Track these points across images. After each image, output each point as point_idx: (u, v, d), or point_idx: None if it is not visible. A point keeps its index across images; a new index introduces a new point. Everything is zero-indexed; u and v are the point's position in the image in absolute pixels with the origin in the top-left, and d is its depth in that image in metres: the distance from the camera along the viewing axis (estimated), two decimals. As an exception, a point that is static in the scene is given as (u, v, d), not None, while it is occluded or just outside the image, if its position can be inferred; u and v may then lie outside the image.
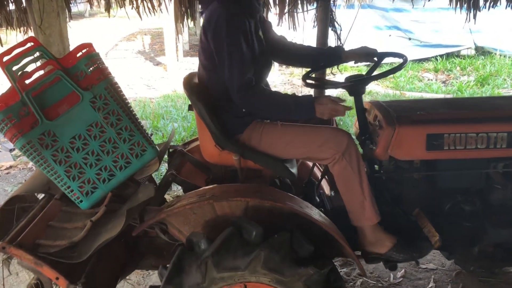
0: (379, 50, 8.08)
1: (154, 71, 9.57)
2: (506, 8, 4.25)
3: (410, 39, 8.95)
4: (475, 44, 9.11)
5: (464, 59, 8.72)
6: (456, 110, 2.25)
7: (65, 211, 2.10)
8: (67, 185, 2.01)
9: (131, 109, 2.17)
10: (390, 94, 6.80)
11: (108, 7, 4.53)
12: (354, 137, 2.16)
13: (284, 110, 2.05)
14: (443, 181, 2.21)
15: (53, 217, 2.04)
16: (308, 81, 2.36)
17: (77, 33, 14.31)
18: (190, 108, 2.19)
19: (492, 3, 4.18)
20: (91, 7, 4.84)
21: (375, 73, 2.31)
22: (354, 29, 8.42)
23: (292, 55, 2.43)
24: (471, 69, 8.16)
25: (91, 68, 2.03)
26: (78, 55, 2.06)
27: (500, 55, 8.77)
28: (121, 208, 2.09)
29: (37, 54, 2.08)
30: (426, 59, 8.82)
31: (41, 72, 2.00)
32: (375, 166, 2.30)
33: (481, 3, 4.24)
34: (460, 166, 2.17)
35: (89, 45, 2.13)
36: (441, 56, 8.81)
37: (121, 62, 10.62)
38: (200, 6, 2.21)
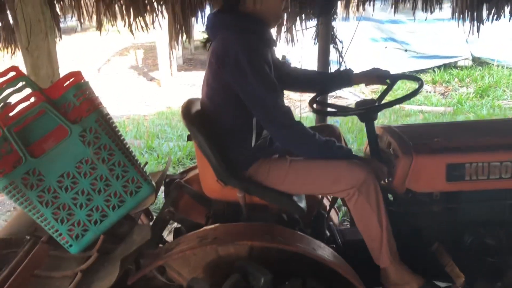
0: (376, 63, 7.94)
1: (148, 87, 9.41)
2: (510, 20, 4.12)
3: (406, 50, 8.86)
4: (472, 54, 9.03)
5: (461, 70, 8.63)
6: (476, 136, 2.09)
7: (53, 256, 1.91)
8: (55, 229, 1.82)
9: (125, 141, 1.99)
10: (389, 108, 6.65)
11: (99, 25, 4.37)
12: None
13: (321, 155, 1.93)
14: (465, 214, 2.04)
15: (40, 264, 1.85)
16: (316, 105, 2.20)
17: (68, 49, 14.19)
18: (189, 138, 2.01)
19: (495, 16, 4.06)
20: (81, 25, 4.68)
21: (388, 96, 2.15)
22: (348, 42, 8.41)
23: (299, 80, 2.28)
24: (470, 80, 8.07)
25: (80, 99, 1.85)
26: (65, 84, 1.87)
27: (498, 66, 8.69)
28: (114, 251, 1.91)
29: (21, 84, 1.89)
30: (423, 71, 8.72)
31: (26, 103, 1.83)
32: (390, 196, 2.14)
33: (484, 15, 4.11)
34: (482, 198, 2.01)
35: (77, 74, 1.95)
36: (438, 67, 8.72)
37: (114, 78, 10.46)
38: (206, 32, 2.03)
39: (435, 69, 8.61)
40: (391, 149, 2.04)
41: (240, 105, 1.91)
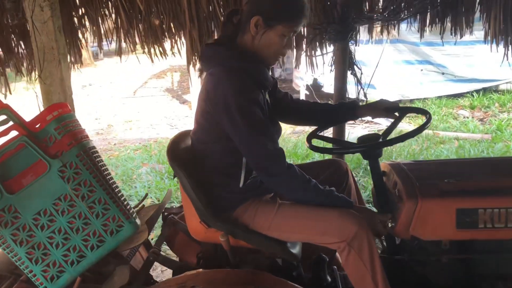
0: (411, 86, 7.66)
1: (179, 110, 9.46)
2: (548, 44, 3.83)
3: (443, 73, 8.50)
4: (514, 78, 8.57)
5: (503, 94, 8.18)
6: (494, 176, 1.86)
7: (30, 297, 1.82)
8: (29, 269, 1.74)
9: (109, 176, 1.90)
10: (421, 134, 6.35)
11: (120, 52, 4.40)
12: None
13: (317, 203, 1.77)
14: (479, 266, 1.82)
15: (15, 305, 1.77)
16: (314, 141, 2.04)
17: (106, 72, 14.59)
18: (175, 175, 1.89)
19: (532, 40, 3.78)
20: (101, 51, 4.75)
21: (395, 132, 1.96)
22: (383, 65, 8.17)
23: (300, 114, 2.14)
24: (512, 106, 7.63)
25: (61, 132, 1.78)
26: (48, 117, 1.81)
27: (543, 90, 8.21)
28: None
29: (3, 117, 1.83)
30: (461, 95, 8.33)
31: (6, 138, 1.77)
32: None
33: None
34: (499, 248, 1.78)
35: (62, 106, 1.89)
36: (477, 91, 8.31)
37: (148, 101, 10.60)
38: (200, 63, 1.92)
39: (474, 93, 8.22)
40: (396, 190, 1.85)
41: (228, 145, 1.79)
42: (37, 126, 1.79)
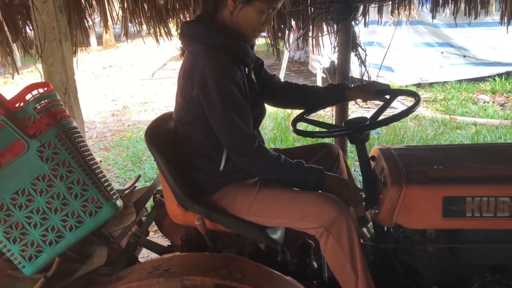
0: (430, 69, 7.42)
1: (195, 92, 9.44)
2: None
3: (464, 56, 8.22)
4: (540, 61, 8.23)
5: (527, 79, 7.89)
6: (485, 163, 1.77)
7: (9, 276, 1.83)
8: (7, 248, 1.75)
9: (90, 157, 1.88)
10: (438, 118, 6.18)
11: (126, 33, 4.38)
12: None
13: (290, 179, 1.73)
14: (467, 256, 1.73)
15: (-6, 282, 1.79)
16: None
17: (127, 54, 14.63)
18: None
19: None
20: (106, 32, 4.71)
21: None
22: (402, 47, 7.95)
23: (287, 97, 2.07)
24: (535, 90, 7.35)
25: (40, 112, 1.76)
26: (27, 97, 1.79)
27: None
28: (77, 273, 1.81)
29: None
30: (483, 79, 8.05)
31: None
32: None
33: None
34: (488, 238, 1.70)
35: (43, 85, 1.87)
36: (499, 75, 8.01)
37: (165, 82, 10.62)
38: (181, 43, 1.88)
39: (496, 78, 7.93)
40: (382, 176, 1.77)
41: (208, 125, 1.75)
42: (16, 105, 1.78)
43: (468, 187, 1.64)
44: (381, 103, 1.97)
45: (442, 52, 8.26)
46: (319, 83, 8.44)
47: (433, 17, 3.81)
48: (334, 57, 7.94)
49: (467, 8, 3.78)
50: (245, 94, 1.73)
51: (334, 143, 2.92)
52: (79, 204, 1.77)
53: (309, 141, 5.37)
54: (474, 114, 6.41)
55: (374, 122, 1.76)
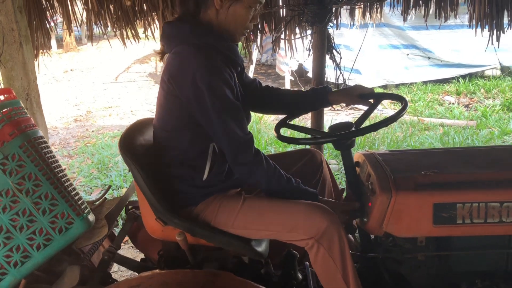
0: (396, 71, 7.47)
1: (161, 95, 9.23)
2: (535, 29, 3.70)
3: (429, 58, 8.38)
4: (500, 63, 8.47)
5: (488, 80, 8.09)
6: (473, 168, 1.73)
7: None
8: (-32, 271, 1.59)
9: (59, 169, 1.74)
10: (406, 120, 6.25)
11: (91, 36, 4.19)
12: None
13: (285, 194, 1.67)
14: (457, 263, 1.70)
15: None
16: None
17: (89, 58, 14.25)
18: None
19: (518, 23, 3.65)
20: (70, 34, 4.49)
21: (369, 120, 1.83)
22: (369, 49, 8.02)
23: (269, 102, 2.00)
24: (497, 92, 7.53)
25: (2, 121, 1.62)
26: (-12, 105, 1.65)
27: (529, 76, 8.13)
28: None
29: None
30: (447, 80, 8.23)
31: None
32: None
33: (506, 24, 3.71)
34: (479, 245, 1.66)
35: (5, 91, 1.72)
36: (463, 77, 8.20)
37: (130, 86, 10.36)
38: (161, 43, 1.76)
39: (460, 79, 8.11)
40: (370, 183, 1.71)
41: (196, 130, 1.65)
42: (-24, 114, 1.62)
43: (459, 193, 1.60)
44: (365, 107, 1.91)
45: (408, 54, 8.39)
46: (287, 85, 8.41)
47: (404, 19, 3.81)
48: (302, 60, 7.98)
49: (437, 11, 3.80)
50: (238, 97, 1.65)
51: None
52: (47, 221, 1.63)
53: (281, 144, 5.32)
54: (441, 115, 6.51)
55: (363, 128, 1.70)
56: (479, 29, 3.74)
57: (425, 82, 8.16)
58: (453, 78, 8.24)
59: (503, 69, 8.54)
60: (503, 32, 3.72)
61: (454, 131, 5.63)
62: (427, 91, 7.79)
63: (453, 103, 7.20)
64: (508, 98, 7.10)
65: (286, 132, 1.94)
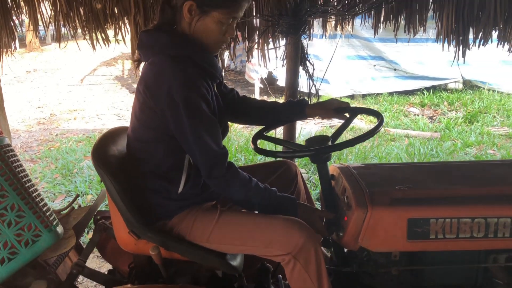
0: (363, 81, 7.57)
1: (128, 99, 9.08)
2: (497, 46, 3.84)
3: (395, 69, 8.59)
4: (462, 77, 8.77)
5: (451, 93, 8.35)
6: (445, 184, 1.77)
7: None
8: None
9: (26, 179, 1.67)
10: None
11: (58, 38, 4.07)
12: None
13: (262, 204, 1.65)
14: (430, 278, 1.73)
15: None
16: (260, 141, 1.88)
17: (53, 58, 13.87)
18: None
19: (483, 41, 3.78)
20: (37, 36, 4.35)
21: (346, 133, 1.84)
22: (337, 60, 8.15)
23: (247, 112, 1.98)
24: (459, 104, 7.78)
25: (-33, 128, 1.54)
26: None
27: (489, 90, 8.43)
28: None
29: None
30: (412, 92, 8.45)
31: None
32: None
33: (471, 40, 3.84)
34: (451, 259, 1.69)
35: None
36: (427, 89, 8.44)
37: (96, 89, 10.14)
38: (138, 52, 1.71)
39: (424, 91, 8.35)
40: (345, 197, 1.72)
41: (171, 142, 1.61)
42: None
43: (432, 209, 1.63)
44: (341, 121, 1.93)
45: (375, 65, 8.57)
46: (257, 93, 8.43)
47: (375, 32, 3.88)
48: (271, 68, 8.01)
49: (406, 26, 3.89)
50: (214, 110, 1.63)
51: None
52: (13, 233, 1.56)
53: (251, 152, 5.30)
54: (406, 127, 6.67)
55: (341, 143, 1.70)
56: (446, 44, 3.86)
57: (391, 93, 8.35)
58: (418, 90, 8.48)
59: (465, 82, 8.84)
60: (469, 49, 3.85)
61: (419, 142, 5.77)
62: (393, 102, 7.96)
63: (418, 115, 7.39)
64: (469, 111, 7.34)
65: (260, 143, 1.93)
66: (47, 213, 1.66)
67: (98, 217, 2.08)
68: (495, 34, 3.76)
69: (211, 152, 1.57)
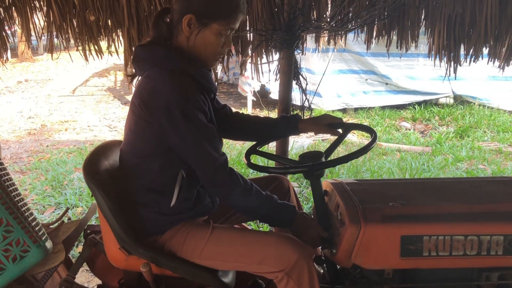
0: (355, 95, 7.63)
1: (119, 111, 9.05)
2: (487, 63, 3.89)
3: (387, 84, 8.65)
4: (453, 92, 8.85)
5: (442, 108, 8.42)
6: (439, 200, 1.77)
7: None
8: None
9: (16, 192, 1.65)
10: (364, 144, 6.34)
11: (51, 49, 4.06)
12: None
13: (264, 210, 1.65)
14: (423, 296, 1.71)
15: None
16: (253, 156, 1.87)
17: (45, 69, 13.84)
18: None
19: (473, 57, 3.82)
20: (29, 47, 4.33)
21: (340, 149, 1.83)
22: (329, 73, 8.20)
23: (240, 128, 1.99)
24: (450, 119, 7.85)
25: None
26: None
27: (479, 105, 8.51)
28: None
29: None
30: (403, 106, 8.51)
31: None
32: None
33: (462, 56, 3.89)
34: (444, 277, 1.69)
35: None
36: (418, 104, 8.51)
37: (88, 100, 10.10)
38: (133, 65, 1.71)
39: (416, 106, 8.41)
40: (338, 213, 1.71)
41: (168, 156, 1.61)
42: None
43: (425, 226, 1.62)
44: (334, 136, 1.93)
45: (367, 79, 8.63)
46: (249, 105, 8.45)
47: (368, 48, 3.91)
48: (264, 81, 8.03)
49: (398, 41, 3.93)
50: (212, 119, 1.64)
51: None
52: (0, 248, 1.53)
53: (243, 165, 5.29)
54: (398, 141, 6.69)
55: (335, 160, 1.70)
56: (437, 60, 3.90)
57: (383, 107, 8.40)
58: (409, 104, 8.54)
59: (456, 97, 8.92)
60: (460, 65, 3.89)
61: (411, 157, 5.79)
62: (384, 116, 8.01)
63: (409, 129, 7.43)
64: (460, 126, 7.40)
65: (254, 158, 1.92)
66: (36, 228, 1.63)
67: (88, 231, 2.06)
68: (485, 51, 3.81)
69: (213, 160, 1.57)
